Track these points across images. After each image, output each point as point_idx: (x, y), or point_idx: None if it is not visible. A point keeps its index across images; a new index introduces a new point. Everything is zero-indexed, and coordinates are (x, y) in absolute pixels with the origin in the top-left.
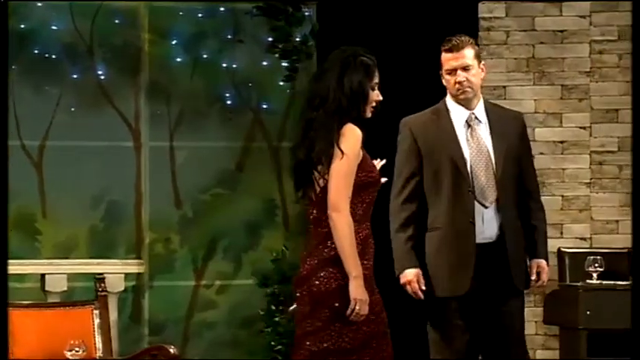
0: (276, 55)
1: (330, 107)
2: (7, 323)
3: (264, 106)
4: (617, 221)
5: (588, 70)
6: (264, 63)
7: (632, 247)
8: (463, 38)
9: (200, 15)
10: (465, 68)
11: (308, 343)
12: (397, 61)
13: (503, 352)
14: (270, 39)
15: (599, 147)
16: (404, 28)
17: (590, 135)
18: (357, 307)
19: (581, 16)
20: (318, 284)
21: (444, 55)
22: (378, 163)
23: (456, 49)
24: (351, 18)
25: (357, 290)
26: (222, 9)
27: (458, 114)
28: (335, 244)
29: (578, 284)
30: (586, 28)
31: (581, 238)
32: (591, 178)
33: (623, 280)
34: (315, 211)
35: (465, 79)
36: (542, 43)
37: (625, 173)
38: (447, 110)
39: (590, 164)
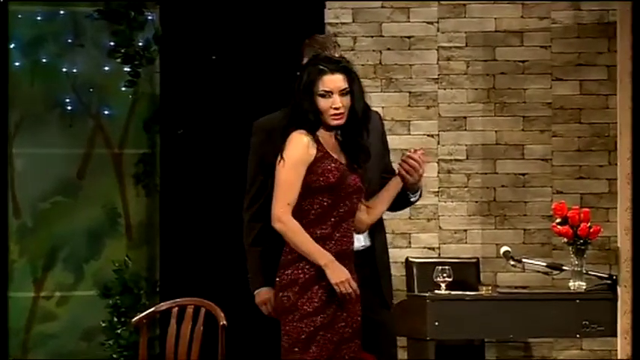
0: (118, 60)
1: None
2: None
3: (106, 112)
4: (465, 230)
5: (436, 77)
6: (106, 68)
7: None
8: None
9: (39, 18)
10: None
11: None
12: (243, 65)
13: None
14: (111, 43)
15: (446, 155)
16: (249, 32)
17: (438, 143)
18: (342, 289)
19: (428, 23)
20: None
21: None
22: (416, 152)
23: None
24: (195, 22)
25: (333, 275)
26: (62, 12)
27: None
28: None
29: (426, 294)
30: (433, 35)
31: (429, 248)
32: (439, 187)
33: (471, 290)
34: None
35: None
36: (389, 49)
37: (473, 182)
38: None
39: (438, 173)
